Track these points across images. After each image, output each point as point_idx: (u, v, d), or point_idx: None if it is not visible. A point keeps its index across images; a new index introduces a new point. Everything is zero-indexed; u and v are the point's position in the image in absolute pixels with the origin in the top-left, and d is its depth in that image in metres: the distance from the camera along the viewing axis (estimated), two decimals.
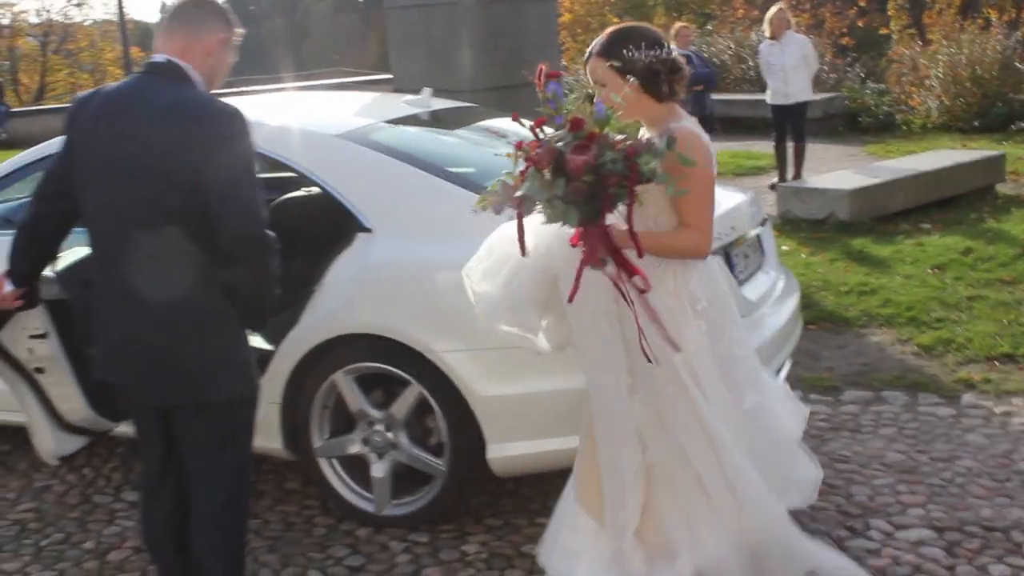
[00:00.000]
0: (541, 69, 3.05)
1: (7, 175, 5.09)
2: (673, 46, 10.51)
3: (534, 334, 3.30)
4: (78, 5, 41.13)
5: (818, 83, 11.93)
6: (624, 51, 3.15)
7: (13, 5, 40.49)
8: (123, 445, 5.18)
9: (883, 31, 36.51)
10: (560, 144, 2.87)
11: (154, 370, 3.12)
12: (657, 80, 3.17)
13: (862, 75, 19.15)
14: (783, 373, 4.43)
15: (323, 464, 4.27)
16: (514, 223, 3.04)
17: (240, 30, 3.25)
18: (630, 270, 2.99)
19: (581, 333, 3.24)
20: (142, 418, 3.31)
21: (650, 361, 3.06)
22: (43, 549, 4.32)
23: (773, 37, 11.38)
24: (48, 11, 40.45)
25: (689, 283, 3.18)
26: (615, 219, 3.00)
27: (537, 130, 2.95)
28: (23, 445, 5.36)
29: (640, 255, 2.98)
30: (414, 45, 11.27)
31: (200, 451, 3.20)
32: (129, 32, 39.69)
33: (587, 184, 2.82)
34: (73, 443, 4.11)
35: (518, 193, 2.92)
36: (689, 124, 3.17)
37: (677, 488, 3.21)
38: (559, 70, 3.07)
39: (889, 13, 37.45)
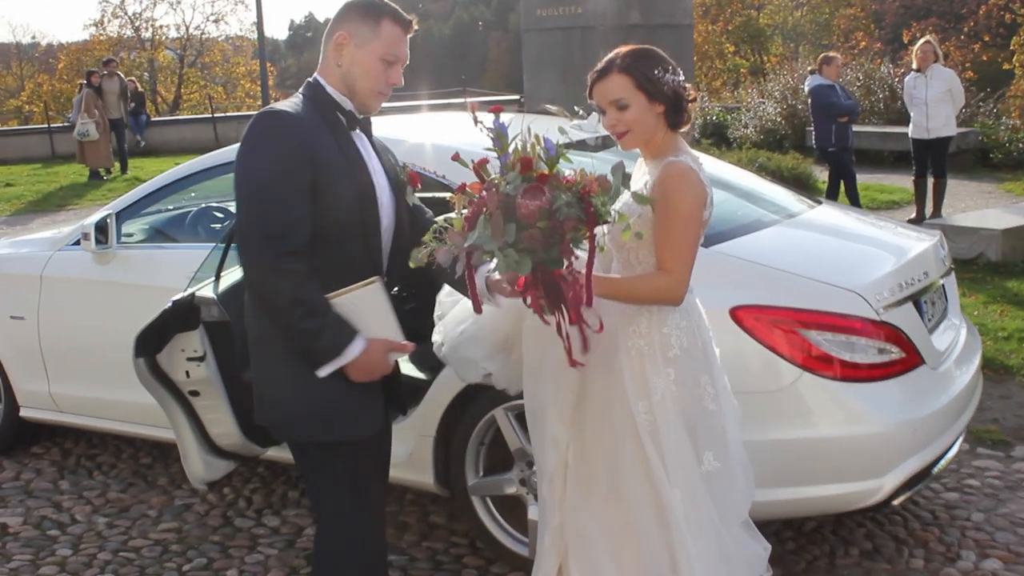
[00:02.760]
0: (473, 106, 2.84)
1: (161, 188, 5.04)
2: (817, 76, 10.23)
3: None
4: (215, 21, 42.49)
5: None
6: (654, 71, 2.90)
7: (155, 20, 42.13)
8: (263, 465, 5.09)
9: (1006, 66, 35.57)
10: (509, 187, 2.63)
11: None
12: (680, 106, 2.94)
13: (995, 110, 18.50)
14: (958, 442, 4.12)
15: (476, 503, 4.09)
16: None
17: (404, 19, 2.89)
18: (576, 320, 2.78)
19: (532, 381, 3.08)
20: None
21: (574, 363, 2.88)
22: (186, 574, 4.22)
23: (919, 69, 10.98)
24: (187, 26, 42.05)
25: (664, 326, 2.92)
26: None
27: (480, 170, 2.72)
28: (162, 459, 5.35)
29: (588, 303, 2.74)
30: (549, 67, 11.22)
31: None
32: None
33: (541, 231, 2.59)
34: (221, 468, 4.01)
35: (468, 243, 2.66)
36: (687, 159, 2.91)
37: (590, 558, 2.97)
38: (500, 105, 2.85)
39: (1012, 48, 36.51)
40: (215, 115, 26.53)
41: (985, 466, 5.00)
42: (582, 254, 2.70)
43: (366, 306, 2.80)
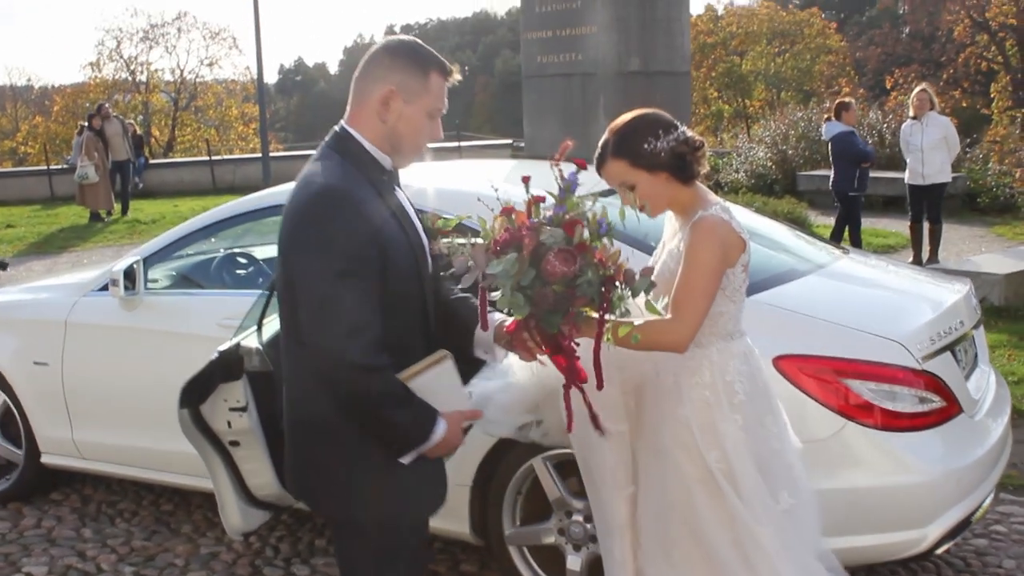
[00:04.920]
0: (566, 146, 2.85)
1: (188, 235, 5.05)
2: (836, 123, 10.47)
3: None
4: (209, 65, 42.76)
5: None
6: (644, 145, 2.91)
7: (150, 64, 42.56)
8: (287, 513, 5.05)
9: (985, 111, 36.05)
10: (548, 239, 2.65)
11: (288, 461, 2.96)
12: (685, 164, 2.94)
13: (981, 156, 18.73)
14: (989, 498, 4.09)
15: (513, 552, 4.08)
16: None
17: (450, 70, 2.75)
18: (574, 373, 2.80)
19: (582, 445, 3.11)
20: None
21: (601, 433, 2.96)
22: None
23: (915, 116, 11.18)
24: (181, 69, 42.36)
25: (726, 374, 2.96)
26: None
27: (533, 207, 2.72)
28: (184, 506, 5.31)
29: (600, 387, 2.81)
30: (549, 113, 11.34)
31: None
32: (250, 92, 41.36)
33: (554, 293, 2.63)
34: (258, 518, 3.99)
35: (490, 270, 2.66)
36: (716, 212, 2.92)
37: None
38: (584, 159, 2.85)
39: (992, 94, 37.04)
40: (212, 158, 26.76)
41: (1010, 512, 5.03)
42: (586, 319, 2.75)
43: (441, 383, 2.73)
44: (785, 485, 2.96)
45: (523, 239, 2.66)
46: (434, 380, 2.70)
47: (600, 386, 2.81)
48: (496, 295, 2.75)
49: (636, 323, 2.86)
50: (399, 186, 2.87)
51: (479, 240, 2.81)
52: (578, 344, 2.80)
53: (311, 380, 2.64)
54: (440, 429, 2.66)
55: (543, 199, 2.74)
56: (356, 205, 2.56)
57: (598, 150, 3.02)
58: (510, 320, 2.83)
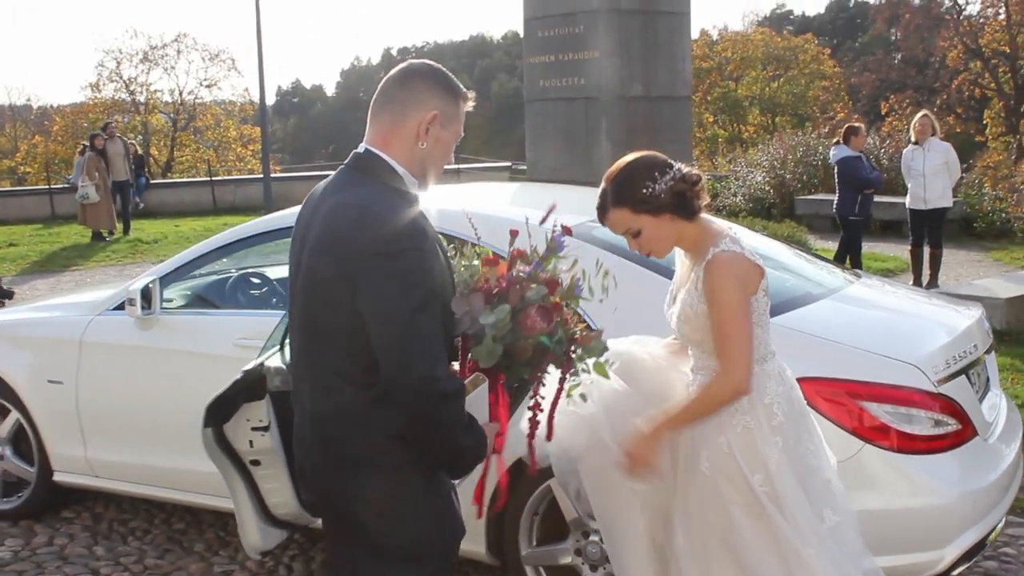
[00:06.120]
0: (553, 207, 2.89)
1: (204, 255, 5.08)
2: (843, 147, 10.54)
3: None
4: (208, 86, 42.96)
5: None
6: (643, 190, 2.94)
7: (150, 84, 42.62)
8: (299, 532, 5.06)
9: (979, 139, 36.33)
10: (531, 295, 2.67)
11: (314, 493, 2.84)
12: (686, 201, 2.98)
13: (976, 181, 18.84)
14: (1001, 524, 4.10)
15: (529, 572, 4.11)
16: None
17: (469, 97, 2.76)
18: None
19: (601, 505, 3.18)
20: None
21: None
22: None
23: (916, 142, 11.27)
24: (181, 90, 42.48)
25: (765, 397, 2.99)
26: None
27: (513, 262, 2.75)
28: (196, 524, 5.32)
29: (549, 437, 2.91)
30: (551, 136, 11.41)
31: None
32: (248, 113, 41.35)
33: (532, 347, 2.66)
34: (276, 537, 4.01)
35: (482, 320, 2.64)
36: (728, 247, 2.95)
37: None
38: (570, 228, 2.84)
39: (985, 121, 37.33)
40: (213, 178, 26.93)
41: (1018, 535, 5.06)
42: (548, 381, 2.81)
43: (478, 402, 2.77)
44: (827, 502, 3.00)
45: (506, 291, 2.69)
46: (474, 400, 2.75)
47: (549, 437, 2.89)
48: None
49: (688, 395, 3.00)
50: None
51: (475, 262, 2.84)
52: (543, 398, 2.85)
53: (356, 409, 2.58)
54: (488, 447, 2.69)
55: (523, 253, 2.77)
56: (424, 237, 2.54)
57: (598, 200, 3.05)
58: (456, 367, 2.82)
